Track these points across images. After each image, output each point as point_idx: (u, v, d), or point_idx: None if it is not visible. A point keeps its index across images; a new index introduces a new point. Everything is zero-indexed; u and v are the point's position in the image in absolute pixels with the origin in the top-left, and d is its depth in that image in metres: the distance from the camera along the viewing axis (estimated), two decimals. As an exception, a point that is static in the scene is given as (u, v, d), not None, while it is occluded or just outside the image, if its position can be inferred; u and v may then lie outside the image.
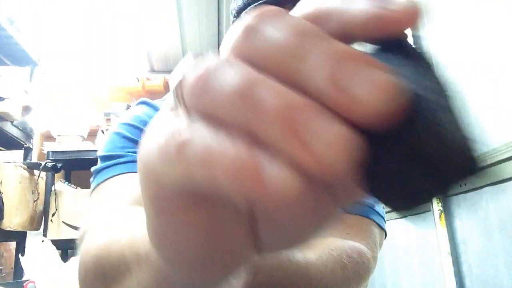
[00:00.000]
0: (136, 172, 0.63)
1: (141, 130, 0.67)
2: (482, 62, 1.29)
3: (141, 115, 0.70)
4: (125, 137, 0.66)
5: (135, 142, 0.65)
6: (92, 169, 0.66)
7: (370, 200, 0.69)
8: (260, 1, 0.66)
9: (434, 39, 1.56)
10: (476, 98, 1.32)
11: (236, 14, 0.71)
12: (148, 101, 0.75)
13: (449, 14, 1.46)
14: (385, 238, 0.75)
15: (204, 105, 0.15)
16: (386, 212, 2.00)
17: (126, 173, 0.61)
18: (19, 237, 2.28)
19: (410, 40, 0.16)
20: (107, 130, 2.48)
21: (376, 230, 0.70)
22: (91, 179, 0.66)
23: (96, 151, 2.50)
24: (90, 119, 3.00)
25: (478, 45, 1.31)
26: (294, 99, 0.13)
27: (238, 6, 0.69)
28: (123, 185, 0.58)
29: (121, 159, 0.63)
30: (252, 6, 0.66)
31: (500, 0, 1.21)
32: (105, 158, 0.65)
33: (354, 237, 0.65)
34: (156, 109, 0.72)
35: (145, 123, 0.68)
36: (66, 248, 2.30)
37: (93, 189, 0.63)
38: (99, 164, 0.65)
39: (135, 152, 0.64)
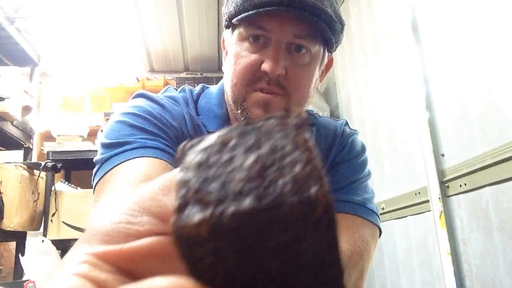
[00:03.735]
0: (145, 156, 0.63)
1: (144, 119, 0.67)
2: (482, 61, 1.29)
3: (142, 105, 0.70)
4: (131, 125, 0.66)
5: (141, 129, 0.65)
6: (97, 158, 0.65)
7: (362, 198, 0.69)
8: None
9: (434, 41, 1.56)
10: (475, 98, 1.32)
11: (227, 19, 0.71)
12: (146, 93, 0.75)
13: (449, 16, 1.46)
14: (380, 233, 0.75)
15: None
16: (387, 212, 1.99)
17: (137, 158, 0.60)
18: (19, 237, 2.28)
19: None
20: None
21: (366, 226, 0.71)
22: (96, 169, 0.65)
23: (96, 151, 2.51)
24: (90, 119, 3.00)
25: (478, 45, 1.31)
26: None
27: (230, 12, 0.69)
28: (135, 169, 0.58)
29: (129, 145, 0.62)
30: (242, 15, 0.66)
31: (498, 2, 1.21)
32: (112, 145, 0.64)
33: (339, 234, 0.66)
34: (154, 101, 0.72)
35: (147, 112, 0.68)
36: (66, 248, 2.30)
37: (102, 176, 0.62)
38: (105, 152, 0.64)
39: (142, 139, 0.63)
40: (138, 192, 0.20)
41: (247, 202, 0.13)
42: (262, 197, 0.13)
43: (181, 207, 0.14)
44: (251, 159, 0.14)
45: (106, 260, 0.18)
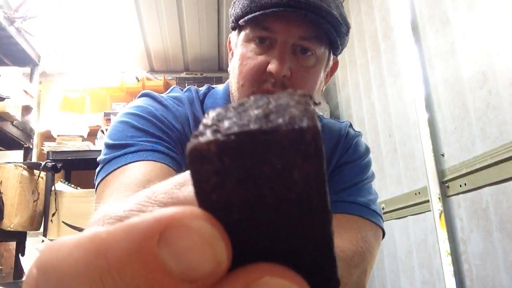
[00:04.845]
0: (146, 160, 0.64)
1: (147, 120, 0.67)
2: (482, 62, 1.29)
3: (146, 105, 0.71)
4: (133, 126, 0.66)
5: (143, 131, 0.66)
6: (100, 158, 0.65)
7: (366, 199, 0.69)
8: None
9: (434, 41, 1.56)
10: (476, 98, 1.32)
11: (234, 20, 0.71)
12: (151, 93, 0.75)
13: (448, 20, 1.46)
14: (383, 234, 0.76)
15: None
16: (387, 212, 1.99)
17: (138, 161, 0.61)
18: (19, 237, 2.28)
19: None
20: (107, 130, 2.46)
21: (369, 227, 0.71)
22: (98, 169, 0.65)
23: (96, 151, 2.50)
24: (90, 119, 3.00)
25: (478, 45, 1.31)
26: None
27: (236, 13, 0.69)
28: (136, 173, 0.58)
29: (132, 148, 0.62)
30: (249, 16, 0.66)
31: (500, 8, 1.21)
32: (114, 146, 0.64)
33: (342, 234, 0.66)
34: (158, 101, 0.73)
35: (151, 114, 0.69)
36: (66, 248, 2.30)
37: (104, 178, 0.62)
38: (108, 153, 0.64)
39: (144, 141, 0.64)
40: (152, 188, 0.21)
41: (250, 126, 0.16)
42: (263, 125, 0.16)
43: (197, 135, 0.17)
44: (259, 109, 0.17)
45: None
